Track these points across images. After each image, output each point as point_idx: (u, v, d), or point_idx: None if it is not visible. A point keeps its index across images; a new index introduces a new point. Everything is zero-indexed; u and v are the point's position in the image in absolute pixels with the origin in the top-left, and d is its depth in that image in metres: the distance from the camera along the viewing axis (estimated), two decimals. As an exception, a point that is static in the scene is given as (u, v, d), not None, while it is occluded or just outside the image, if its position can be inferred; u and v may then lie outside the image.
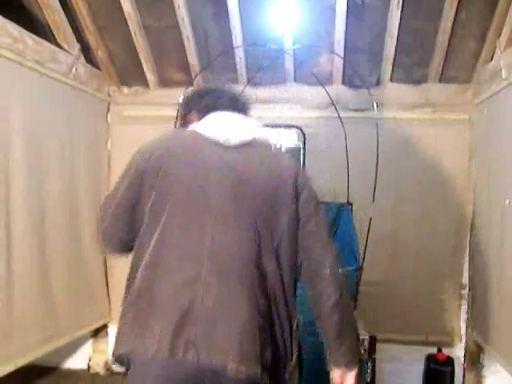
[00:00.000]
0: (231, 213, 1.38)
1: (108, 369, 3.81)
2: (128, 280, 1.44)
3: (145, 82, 3.73)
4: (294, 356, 1.43)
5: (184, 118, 1.65)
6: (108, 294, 3.70)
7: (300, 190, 1.44)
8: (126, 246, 1.50)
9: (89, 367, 3.84)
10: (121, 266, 4.03)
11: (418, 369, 3.37)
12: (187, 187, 1.40)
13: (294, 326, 1.45)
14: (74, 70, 3.27)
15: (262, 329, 1.33)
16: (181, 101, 1.73)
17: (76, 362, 3.85)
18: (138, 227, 1.42)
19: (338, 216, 2.91)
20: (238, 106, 1.60)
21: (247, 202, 1.39)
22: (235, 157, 1.43)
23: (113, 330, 3.80)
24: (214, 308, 1.29)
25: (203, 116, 1.52)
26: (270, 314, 1.37)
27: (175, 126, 2.05)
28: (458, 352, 3.47)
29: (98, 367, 3.81)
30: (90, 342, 3.84)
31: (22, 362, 2.74)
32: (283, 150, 3.02)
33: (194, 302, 1.29)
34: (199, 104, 1.59)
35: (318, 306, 1.46)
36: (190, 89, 2.08)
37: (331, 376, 1.49)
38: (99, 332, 3.81)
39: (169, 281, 1.33)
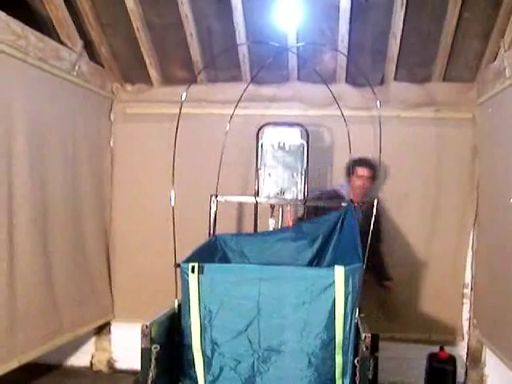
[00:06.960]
0: None
1: (111, 366, 3.82)
2: None
3: (148, 80, 3.72)
4: None
5: None
6: (111, 291, 3.70)
7: None
8: None
9: (91, 365, 3.85)
10: (124, 263, 4.04)
11: (421, 367, 3.38)
12: None
13: None
14: (77, 67, 3.27)
15: None
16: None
17: (79, 359, 3.86)
18: None
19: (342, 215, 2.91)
20: None
21: None
22: None
23: (115, 327, 3.81)
24: None
25: None
26: None
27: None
28: (460, 350, 3.49)
29: (101, 365, 3.82)
30: (93, 339, 3.84)
31: (25, 358, 2.75)
32: (287, 147, 3.02)
33: None
34: None
35: None
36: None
37: None
38: (102, 330, 3.81)
39: None
